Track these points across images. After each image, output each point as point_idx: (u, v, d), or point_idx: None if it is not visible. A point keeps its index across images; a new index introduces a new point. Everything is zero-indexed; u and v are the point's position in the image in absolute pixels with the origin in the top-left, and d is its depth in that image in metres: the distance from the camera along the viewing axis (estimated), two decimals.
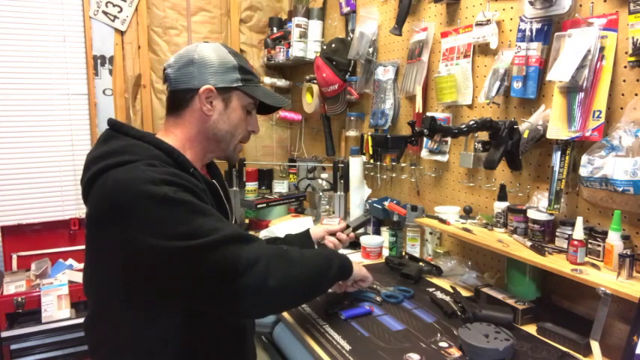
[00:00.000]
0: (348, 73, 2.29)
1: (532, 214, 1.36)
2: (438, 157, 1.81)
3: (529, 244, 1.32)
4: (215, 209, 1.07)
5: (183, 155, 1.09)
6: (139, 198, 0.93)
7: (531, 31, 1.38)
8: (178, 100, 1.15)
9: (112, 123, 1.11)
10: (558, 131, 1.29)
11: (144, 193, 0.93)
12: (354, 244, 1.90)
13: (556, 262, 1.21)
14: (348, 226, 1.55)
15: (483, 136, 1.49)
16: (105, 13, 2.57)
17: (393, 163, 2.06)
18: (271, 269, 0.96)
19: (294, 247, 1.13)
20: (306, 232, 1.49)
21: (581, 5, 1.28)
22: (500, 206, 1.47)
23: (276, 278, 0.97)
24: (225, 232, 0.94)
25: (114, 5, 2.57)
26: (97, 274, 1.03)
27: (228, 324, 1.11)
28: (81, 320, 2.06)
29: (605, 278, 1.10)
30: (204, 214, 0.97)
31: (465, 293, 1.44)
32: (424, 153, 1.87)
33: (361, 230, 2.00)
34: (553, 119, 1.31)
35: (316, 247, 1.48)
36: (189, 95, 1.13)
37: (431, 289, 1.52)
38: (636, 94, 1.16)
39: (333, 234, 1.52)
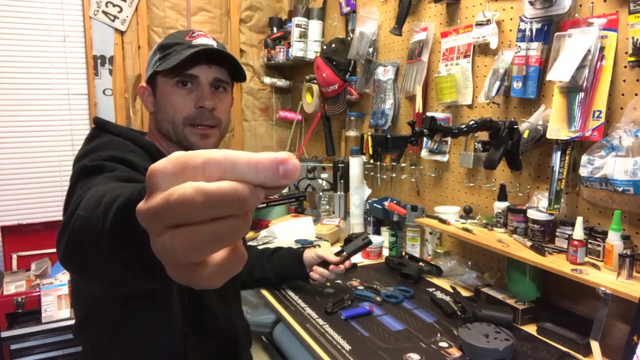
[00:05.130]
0: (348, 73, 2.29)
1: (532, 214, 1.36)
2: (438, 157, 1.81)
3: (529, 244, 1.32)
4: None
5: (162, 152, 1.04)
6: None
7: (531, 31, 1.38)
8: None
9: (96, 121, 1.08)
10: (558, 131, 1.29)
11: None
12: None
13: (556, 262, 1.21)
14: (342, 251, 1.41)
15: (483, 136, 1.49)
16: (105, 13, 2.56)
17: (393, 163, 2.06)
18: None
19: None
20: (299, 256, 1.44)
21: (581, 5, 1.28)
22: (500, 206, 1.47)
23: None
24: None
25: (114, 5, 2.57)
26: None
27: (222, 331, 1.11)
28: None
29: (605, 278, 1.10)
30: (92, 174, 0.79)
31: (465, 293, 1.44)
32: (424, 153, 1.87)
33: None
34: (553, 119, 1.31)
35: (307, 270, 1.42)
36: None
37: (431, 289, 1.52)
38: (636, 94, 1.16)
39: (326, 262, 1.39)
